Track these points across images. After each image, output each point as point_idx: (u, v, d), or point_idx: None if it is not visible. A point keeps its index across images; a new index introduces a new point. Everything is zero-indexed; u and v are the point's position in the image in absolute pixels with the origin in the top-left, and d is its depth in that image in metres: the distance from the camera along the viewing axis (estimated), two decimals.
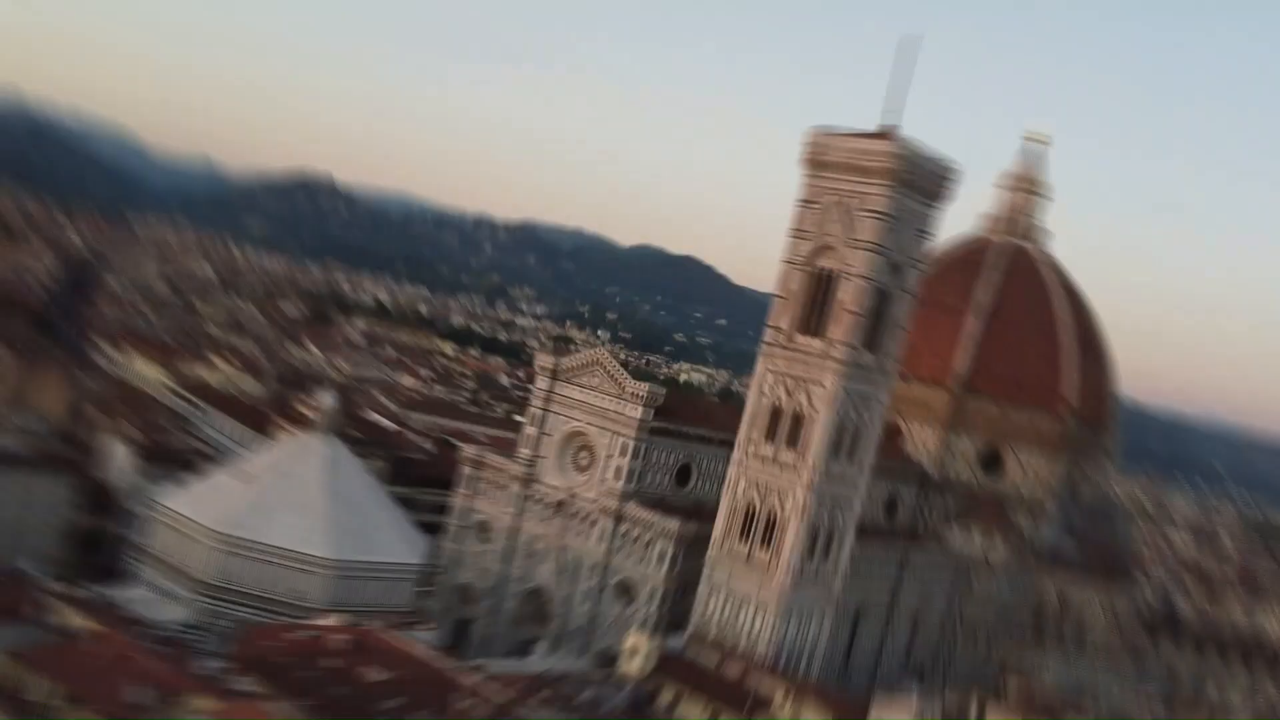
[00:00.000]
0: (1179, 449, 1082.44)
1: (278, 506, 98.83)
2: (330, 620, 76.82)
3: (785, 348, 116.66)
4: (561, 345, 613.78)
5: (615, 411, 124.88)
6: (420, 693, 65.90)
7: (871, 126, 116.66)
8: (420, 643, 76.58)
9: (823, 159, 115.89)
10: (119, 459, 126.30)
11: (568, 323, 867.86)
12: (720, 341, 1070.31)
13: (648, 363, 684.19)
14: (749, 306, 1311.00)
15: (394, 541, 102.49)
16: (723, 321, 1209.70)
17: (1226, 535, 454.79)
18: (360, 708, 64.07)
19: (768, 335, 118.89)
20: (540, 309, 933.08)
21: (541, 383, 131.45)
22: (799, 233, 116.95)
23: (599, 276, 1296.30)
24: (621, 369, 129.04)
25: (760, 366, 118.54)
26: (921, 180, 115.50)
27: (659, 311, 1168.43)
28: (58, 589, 58.55)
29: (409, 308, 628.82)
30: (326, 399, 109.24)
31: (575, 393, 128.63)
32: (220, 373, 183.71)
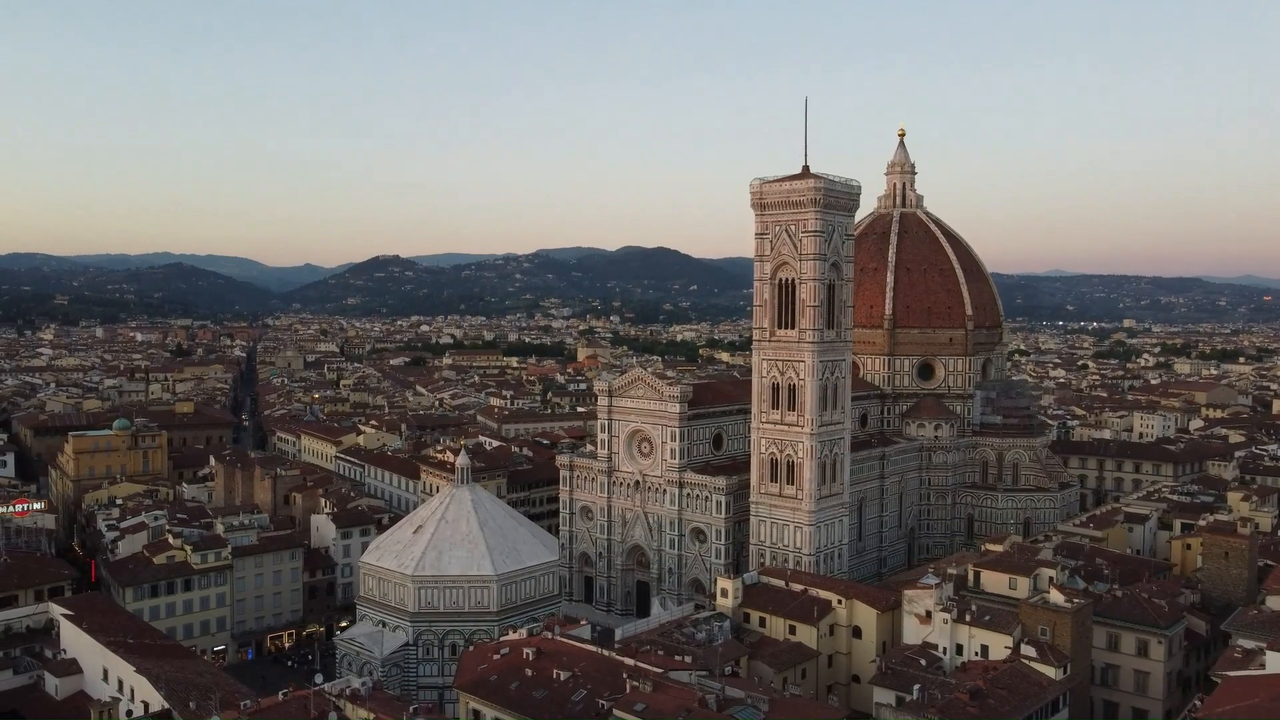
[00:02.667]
0: (1038, 299, 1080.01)
1: (447, 546, 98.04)
2: (518, 634, 75.86)
3: (770, 341, 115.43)
4: (588, 336, 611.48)
5: (660, 410, 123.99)
6: (598, 680, 65.26)
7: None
8: (582, 638, 75.41)
9: (764, 201, 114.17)
10: (322, 527, 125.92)
11: (588, 316, 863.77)
12: (696, 302, 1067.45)
13: (651, 333, 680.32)
14: (709, 273, 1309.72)
15: (534, 547, 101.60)
16: (694, 288, 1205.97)
17: (1086, 358, 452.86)
18: (560, 704, 63.65)
19: (755, 334, 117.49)
20: (565, 311, 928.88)
21: (602, 400, 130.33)
22: (760, 257, 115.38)
23: (600, 277, 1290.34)
24: (658, 379, 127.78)
25: (756, 357, 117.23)
26: (837, 200, 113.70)
27: (648, 291, 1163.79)
28: (334, 688, 57.30)
29: (477, 336, 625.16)
30: (462, 457, 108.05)
31: (628, 402, 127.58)
32: (369, 435, 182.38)
